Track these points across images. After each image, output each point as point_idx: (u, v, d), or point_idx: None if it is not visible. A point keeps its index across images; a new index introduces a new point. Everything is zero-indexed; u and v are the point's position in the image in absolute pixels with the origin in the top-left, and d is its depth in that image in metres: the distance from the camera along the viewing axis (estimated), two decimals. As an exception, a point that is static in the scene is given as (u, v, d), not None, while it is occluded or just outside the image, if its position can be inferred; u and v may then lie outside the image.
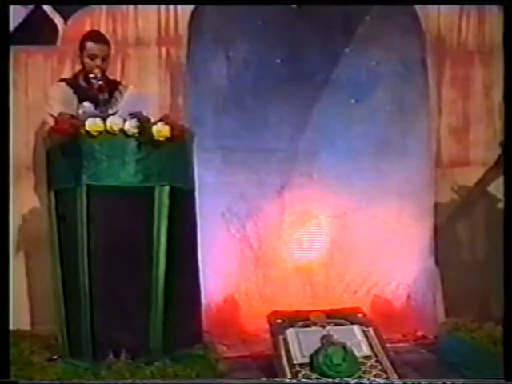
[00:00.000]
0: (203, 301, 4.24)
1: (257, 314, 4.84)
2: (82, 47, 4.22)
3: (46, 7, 5.05)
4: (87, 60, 4.19)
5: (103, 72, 4.13)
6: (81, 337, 3.75)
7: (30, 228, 4.81)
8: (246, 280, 5.23)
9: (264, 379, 3.80)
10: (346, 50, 5.30)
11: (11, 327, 3.66)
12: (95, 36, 4.29)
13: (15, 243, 4.72)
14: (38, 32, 5.02)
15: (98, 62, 4.16)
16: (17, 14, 4.80)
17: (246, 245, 5.26)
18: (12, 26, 4.55)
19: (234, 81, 5.21)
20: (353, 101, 5.32)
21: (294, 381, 3.78)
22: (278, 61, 5.27)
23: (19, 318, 4.48)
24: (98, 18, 5.03)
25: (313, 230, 5.35)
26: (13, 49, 4.17)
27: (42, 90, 4.72)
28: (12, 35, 4.48)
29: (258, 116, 5.17)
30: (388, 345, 4.23)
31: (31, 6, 4.98)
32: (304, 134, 5.25)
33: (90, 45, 4.20)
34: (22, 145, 4.86)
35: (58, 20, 5.06)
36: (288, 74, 5.23)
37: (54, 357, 3.90)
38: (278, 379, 3.81)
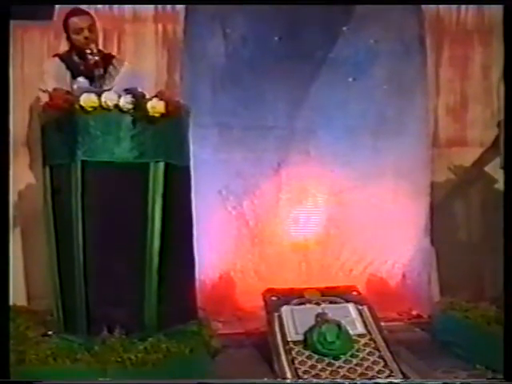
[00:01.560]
0: (198, 277, 4.25)
1: (252, 291, 4.86)
2: (66, 28, 4.23)
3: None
4: (74, 36, 4.19)
5: (98, 48, 4.11)
6: (75, 312, 3.75)
7: (26, 204, 4.82)
8: (242, 257, 5.23)
9: (265, 379, 3.80)
10: (345, 28, 5.25)
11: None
12: (75, 11, 4.26)
13: (11, 219, 4.72)
14: (35, 7, 4.97)
15: (86, 33, 4.15)
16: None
17: (243, 222, 5.25)
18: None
19: (232, 58, 5.16)
20: (350, 79, 5.29)
21: (295, 380, 3.79)
22: (276, 38, 5.22)
23: (16, 293, 4.48)
24: (94, -7, 5.00)
25: (309, 207, 5.34)
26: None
27: (39, 66, 4.69)
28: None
29: (255, 93, 5.13)
30: (382, 323, 4.26)
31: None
32: (301, 112, 5.22)
33: (72, 20, 4.20)
34: (18, 121, 4.83)
35: (54, -5, 5.02)
36: (286, 52, 5.18)
37: (49, 332, 3.91)
38: (279, 379, 3.82)
